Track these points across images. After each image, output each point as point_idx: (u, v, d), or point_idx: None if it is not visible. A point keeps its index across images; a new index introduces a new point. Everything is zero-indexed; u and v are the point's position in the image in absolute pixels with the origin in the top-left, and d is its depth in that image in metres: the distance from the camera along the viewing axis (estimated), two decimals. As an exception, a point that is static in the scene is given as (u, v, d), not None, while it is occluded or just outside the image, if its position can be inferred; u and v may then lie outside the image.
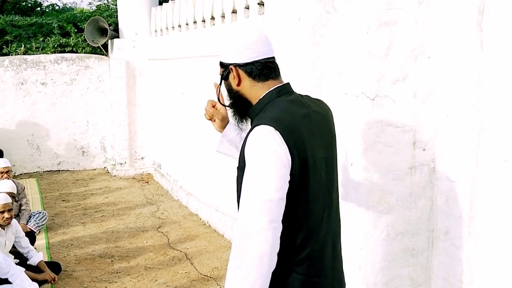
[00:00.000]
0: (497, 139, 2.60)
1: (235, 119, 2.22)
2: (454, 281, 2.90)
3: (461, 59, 2.75)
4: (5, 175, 6.10)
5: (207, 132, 6.77)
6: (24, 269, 4.46)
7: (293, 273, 1.98)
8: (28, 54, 10.09)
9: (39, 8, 13.52)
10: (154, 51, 9.15)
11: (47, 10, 13.24)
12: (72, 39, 10.65)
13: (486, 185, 2.68)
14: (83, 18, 11.05)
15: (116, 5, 10.74)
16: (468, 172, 2.74)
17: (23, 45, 10.45)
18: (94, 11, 12.52)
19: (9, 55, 10.21)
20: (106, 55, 10.15)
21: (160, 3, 9.46)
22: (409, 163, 3.00)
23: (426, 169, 3.02)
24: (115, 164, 9.69)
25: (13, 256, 4.87)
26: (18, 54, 10.21)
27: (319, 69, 3.33)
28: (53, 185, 8.89)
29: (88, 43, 10.19)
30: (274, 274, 1.87)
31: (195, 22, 7.19)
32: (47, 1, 19.22)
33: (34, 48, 10.43)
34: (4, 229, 4.62)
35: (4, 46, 10.53)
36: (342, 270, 2.25)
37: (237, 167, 2.06)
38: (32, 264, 4.85)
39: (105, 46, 10.09)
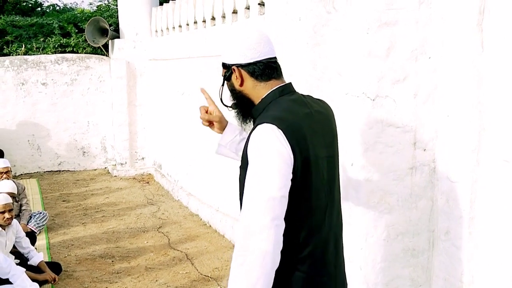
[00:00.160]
0: (497, 139, 2.60)
1: (238, 119, 2.23)
2: (455, 282, 2.90)
3: (461, 59, 2.75)
4: (5, 176, 6.10)
5: (207, 133, 6.76)
6: (24, 270, 4.46)
7: (295, 271, 1.99)
8: (28, 55, 10.09)
9: (39, 9, 13.52)
10: (154, 51, 9.15)
11: (47, 10, 13.24)
12: (73, 40, 10.66)
13: (486, 186, 2.68)
14: (83, 18, 11.05)
15: (116, 6, 10.74)
16: (468, 173, 2.74)
17: (23, 46, 10.45)
18: (95, 11, 12.52)
19: (9, 55, 10.21)
20: (106, 56, 10.15)
21: (161, 3, 9.47)
22: (409, 163, 3.00)
23: (426, 169, 3.02)
24: (115, 165, 9.69)
25: (13, 257, 4.87)
26: (18, 54, 10.22)
27: (319, 69, 3.33)
28: (53, 186, 8.89)
29: (88, 44, 10.19)
30: (277, 272, 1.88)
31: (195, 23, 7.19)
32: (48, 2, 19.21)
33: (34, 49, 10.44)
34: (4, 229, 4.62)
35: (4, 47, 10.53)
36: (344, 270, 2.26)
37: (240, 166, 2.07)
38: (33, 264, 4.85)
39: (105, 46, 10.09)
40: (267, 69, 2.10)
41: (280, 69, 2.16)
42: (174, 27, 8.09)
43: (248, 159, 1.93)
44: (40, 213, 6.41)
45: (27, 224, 6.09)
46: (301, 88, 3.18)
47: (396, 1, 2.86)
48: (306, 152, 1.94)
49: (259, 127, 1.92)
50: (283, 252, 1.89)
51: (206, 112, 2.51)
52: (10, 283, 4.32)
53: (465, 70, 2.72)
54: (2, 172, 6.10)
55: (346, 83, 3.08)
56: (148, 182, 9.07)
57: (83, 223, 6.79)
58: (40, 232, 6.26)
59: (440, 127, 2.94)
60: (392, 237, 3.05)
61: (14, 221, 4.78)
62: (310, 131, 2.00)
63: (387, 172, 2.99)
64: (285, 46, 3.65)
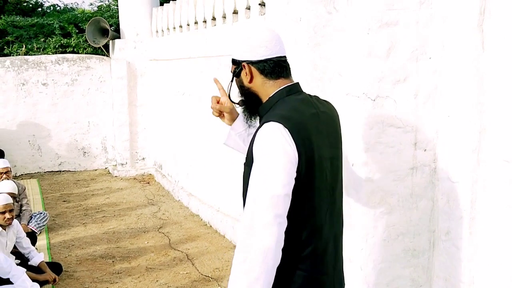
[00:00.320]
0: (498, 139, 2.60)
1: (245, 116, 2.24)
2: (455, 282, 2.90)
3: (462, 60, 2.75)
4: (5, 176, 6.11)
5: (208, 133, 6.77)
6: (25, 270, 4.46)
7: (296, 270, 2.01)
8: (29, 55, 10.10)
9: (40, 9, 13.52)
10: (155, 52, 9.15)
11: (48, 10, 13.24)
12: (73, 40, 10.66)
13: (487, 186, 2.69)
14: (84, 18, 11.06)
15: (117, 6, 10.75)
16: (469, 173, 2.74)
17: (24, 46, 10.46)
18: (95, 11, 12.52)
19: (10, 55, 10.22)
20: (107, 56, 10.15)
21: (161, 4, 9.47)
22: (410, 163, 3.00)
23: (427, 169, 3.02)
24: (116, 165, 9.69)
25: (14, 257, 4.87)
26: (19, 54, 10.22)
27: (320, 69, 3.33)
28: (54, 186, 8.90)
29: (89, 44, 10.19)
30: (277, 269, 1.90)
31: (196, 23, 7.19)
32: (48, 2, 19.23)
33: (35, 49, 10.44)
34: (5, 230, 4.62)
35: (5, 47, 10.54)
36: (343, 270, 2.28)
37: (244, 163, 2.09)
38: (33, 264, 4.86)
39: (106, 46, 10.10)
40: (277, 67, 2.11)
41: (289, 68, 2.18)
42: (174, 27, 8.10)
43: (254, 156, 1.94)
44: (41, 213, 6.41)
45: (28, 225, 6.10)
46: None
47: (397, 2, 2.86)
48: (311, 152, 1.95)
49: (265, 125, 1.94)
50: (284, 250, 1.90)
51: (218, 102, 2.51)
52: (11, 283, 4.32)
53: (466, 71, 2.72)
54: (2, 173, 6.10)
55: (346, 84, 3.08)
56: (148, 183, 9.07)
57: (83, 224, 6.80)
58: (40, 232, 6.26)
59: (441, 128, 2.94)
60: (392, 238, 3.05)
61: (15, 221, 4.78)
62: (316, 131, 2.01)
63: (388, 172, 2.99)
64: (285, 47, 3.64)
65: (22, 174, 9.59)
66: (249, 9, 5.60)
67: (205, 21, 6.86)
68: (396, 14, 2.87)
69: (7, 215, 4.56)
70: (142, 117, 9.62)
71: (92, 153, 10.02)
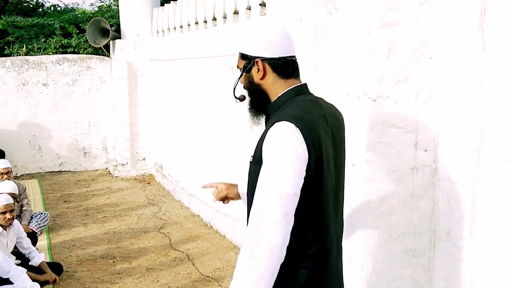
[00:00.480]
0: (499, 140, 2.60)
1: (251, 113, 2.22)
2: (456, 282, 2.90)
3: (463, 60, 2.75)
4: (5, 176, 6.11)
5: (208, 133, 6.78)
6: (25, 270, 4.46)
7: (300, 268, 2.02)
8: (29, 55, 10.10)
9: (41, 9, 13.55)
10: (155, 52, 9.15)
11: (48, 11, 13.26)
12: (74, 40, 10.67)
13: (488, 186, 2.68)
14: (84, 19, 11.07)
15: (117, 6, 10.76)
16: (470, 173, 2.74)
17: (24, 46, 10.47)
18: (96, 12, 12.54)
19: (10, 56, 10.23)
20: (108, 56, 10.16)
21: (162, 4, 9.47)
22: (411, 164, 3.00)
23: (428, 170, 3.02)
24: (116, 165, 9.69)
25: (15, 257, 4.87)
26: (19, 55, 10.23)
27: (320, 69, 3.33)
28: (54, 186, 8.90)
29: (89, 44, 10.20)
30: (283, 267, 1.92)
31: (196, 23, 7.20)
32: (49, 2, 19.25)
33: (35, 49, 10.46)
34: (5, 230, 4.62)
35: (6, 47, 10.55)
36: (342, 271, 2.29)
37: (250, 161, 2.10)
38: (34, 265, 4.86)
39: (106, 47, 10.10)
40: (289, 66, 2.11)
41: (299, 69, 2.18)
42: (175, 28, 8.10)
43: (264, 154, 1.95)
44: (41, 213, 6.41)
45: (28, 225, 6.10)
46: (302, 88, 3.18)
47: (397, 2, 2.86)
48: (320, 152, 1.97)
49: (277, 124, 1.94)
50: (290, 248, 1.92)
51: (219, 192, 2.54)
52: (11, 283, 4.33)
53: (466, 71, 2.72)
54: (3, 173, 6.10)
55: (347, 84, 3.08)
56: (149, 183, 9.07)
57: (84, 224, 6.80)
58: (41, 233, 6.26)
59: (442, 128, 2.94)
60: (393, 238, 3.05)
61: (15, 221, 4.78)
62: (323, 132, 2.02)
63: (388, 173, 2.99)
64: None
65: (22, 174, 9.59)
66: (249, 9, 5.60)
67: (205, 21, 6.86)
68: (396, 14, 2.87)
69: (8, 215, 4.56)
70: (143, 118, 9.62)
71: (92, 153, 10.02)
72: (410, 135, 2.97)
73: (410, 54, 2.90)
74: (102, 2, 13.67)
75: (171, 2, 8.21)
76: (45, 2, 15.37)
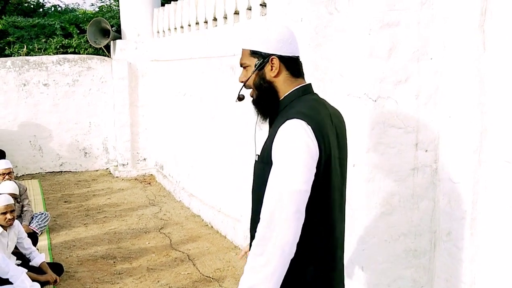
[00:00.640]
0: (499, 140, 2.60)
1: (257, 111, 2.20)
2: (456, 282, 2.90)
3: (463, 60, 2.75)
4: (7, 176, 6.11)
5: (209, 134, 6.78)
6: (25, 270, 4.46)
7: (308, 264, 2.04)
8: (30, 55, 10.11)
9: (41, 9, 13.55)
10: (156, 52, 9.16)
11: (49, 11, 13.26)
12: (75, 40, 10.68)
13: (488, 186, 2.68)
14: (85, 19, 11.07)
15: (118, 6, 10.76)
16: (470, 173, 2.74)
17: (25, 46, 10.48)
18: (97, 12, 12.55)
19: (11, 56, 10.23)
20: (108, 56, 10.16)
21: (163, 4, 9.47)
22: (411, 164, 3.00)
23: (428, 170, 3.02)
24: (117, 165, 9.69)
25: (15, 257, 4.87)
26: (20, 55, 10.24)
27: (321, 70, 3.33)
28: (55, 186, 8.90)
29: (90, 44, 10.20)
30: (290, 264, 1.94)
31: (197, 23, 7.20)
32: (50, 2, 19.27)
33: (36, 49, 10.46)
34: (6, 230, 4.62)
35: (6, 47, 10.55)
36: (344, 268, 2.32)
37: (257, 160, 2.12)
38: (34, 265, 4.86)
39: (107, 47, 10.10)
40: (299, 66, 2.15)
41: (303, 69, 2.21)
42: (175, 28, 8.10)
43: (275, 152, 1.96)
44: (42, 214, 6.41)
45: (29, 225, 6.10)
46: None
47: (398, 2, 2.86)
48: (329, 151, 2.00)
49: (289, 121, 1.95)
50: (298, 245, 1.94)
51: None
52: (11, 283, 4.33)
53: (467, 71, 2.72)
54: (4, 173, 6.11)
55: (348, 84, 3.08)
56: (149, 183, 9.07)
57: (84, 224, 6.80)
58: (41, 233, 6.26)
59: (442, 128, 2.94)
60: (394, 238, 3.05)
61: (16, 222, 4.78)
62: (330, 131, 2.05)
63: (389, 173, 2.99)
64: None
65: (23, 175, 9.60)
66: (250, 9, 5.60)
67: (206, 22, 6.86)
68: (397, 15, 2.87)
69: (8, 216, 4.57)
70: (143, 118, 9.62)
71: (93, 153, 10.02)
72: (411, 135, 2.97)
73: (410, 55, 2.90)
74: (103, 2, 13.68)
75: (172, 2, 8.21)
76: (46, 2, 15.39)
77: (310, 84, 2.18)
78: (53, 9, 13.43)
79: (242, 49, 2.18)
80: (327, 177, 2.01)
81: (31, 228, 6.07)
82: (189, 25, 7.50)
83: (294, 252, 1.92)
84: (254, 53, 2.13)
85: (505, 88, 2.55)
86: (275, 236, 1.88)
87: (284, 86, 2.12)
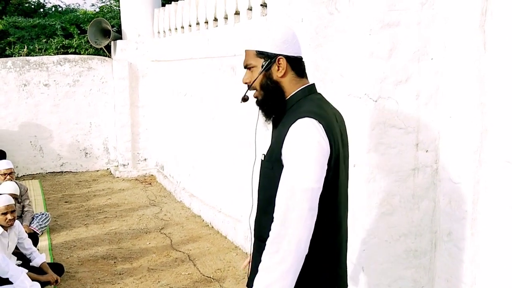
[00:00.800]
0: (500, 140, 2.60)
1: (262, 111, 2.19)
2: (457, 283, 2.90)
3: (464, 60, 2.75)
4: (8, 177, 6.12)
5: (210, 134, 6.78)
6: (26, 270, 4.46)
7: (317, 262, 2.05)
8: (31, 56, 10.11)
9: (42, 10, 13.55)
10: (157, 53, 9.16)
11: (50, 11, 13.26)
12: (75, 41, 10.68)
13: (489, 187, 2.68)
14: (86, 19, 11.07)
15: (119, 7, 10.76)
16: (471, 174, 2.74)
17: (26, 47, 10.48)
18: (97, 12, 12.55)
19: (12, 56, 10.23)
20: (109, 57, 10.16)
21: (163, 5, 9.47)
22: (412, 164, 2.99)
23: (429, 170, 3.02)
24: (118, 166, 9.69)
25: (16, 258, 4.87)
26: (21, 55, 10.24)
27: (322, 70, 3.33)
28: (56, 187, 8.90)
29: (91, 45, 10.20)
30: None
31: (198, 24, 7.20)
32: (50, 3, 19.27)
33: (37, 50, 10.46)
34: (7, 231, 4.62)
35: (7, 48, 10.56)
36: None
37: (263, 160, 2.13)
38: (35, 265, 4.86)
39: (108, 47, 10.10)
40: (303, 66, 2.17)
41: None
42: (176, 28, 8.10)
43: (287, 150, 1.97)
44: (43, 214, 6.42)
45: (30, 225, 6.10)
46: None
47: (399, 2, 2.86)
48: (338, 149, 2.02)
49: (300, 120, 1.96)
50: (310, 243, 1.96)
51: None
52: (11, 283, 4.33)
53: (468, 71, 2.72)
54: (5, 174, 6.12)
55: (348, 84, 3.08)
56: (150, 183, 9.07)
57: (85, 224, 6.80)
58: (42, 233, 6.26)
59: (443, 128, 2.93)
60: (394, 238, 3.05)
61: (17, 222, 4.79)
62: (337, 129, 2.08)
63: (390, 173, 2.98)
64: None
65: (24, 175, 9.60)
66: (251, 10, 5.60)
67: (206, 22, 6.86)
68: (397, 15, 2.87)
69: (9, 216, 4.57)
70: (144, 118, 9.62)
71: (94, 154, 10.03)
72: (411, 135, 2.97)
73: (411, 55, 2.90)
74: (104, 2, 13.68)
75: (172, 2, 8.21)
76: (46, 2, 15.38)
77: (314, 84, 2.20)
78: (53, 9, 13.43)
79: (246, 50, 2.17)
80: (335, 175, 2.03)
81: (32, 228, 6.07)
82: (190, 26, 7.50)
83: (308, 248, 1.94)
84: (260, 54, 2.12)
85: (505, 88, 2.55)
86: (290, 234, 1.90)
87: (290, 86, 2.13)
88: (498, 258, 2.67)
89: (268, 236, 1.98)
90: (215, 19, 6.59)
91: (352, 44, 3.03)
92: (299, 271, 1.94)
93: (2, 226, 4.56)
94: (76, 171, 9.92)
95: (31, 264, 4.87)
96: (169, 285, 4.89)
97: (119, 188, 8.77)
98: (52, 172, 9.80)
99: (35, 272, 4.72)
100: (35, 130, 9.64)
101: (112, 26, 10.06)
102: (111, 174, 9.76)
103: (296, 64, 2.13)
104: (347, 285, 2.27)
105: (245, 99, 2.23)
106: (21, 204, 6.27)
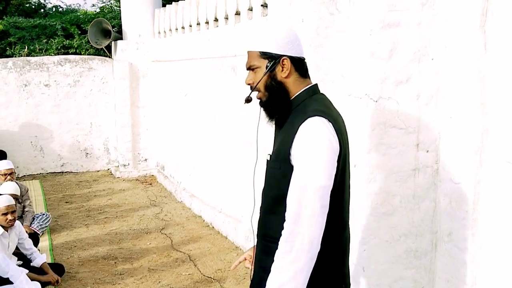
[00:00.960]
0: (500, 140, 2.60)
1: (266, 111, 2.19)
2: (458, 283, 2.90)
3: (464, 61, 2.75)
4: (9, 177, 6.12)
5: (210, 134, 6.78)
6: (26, 270, 4.46)
7: (324, 262, 2.05)
8: (31, 56, 10.11)
9: (42, 10, 13.56)
10: (157, 53, 9.16)
11: (50, 12, 13.28)
12: (76, 41, 10.68)
13: (489, 187, 2.68)
14: (86, 19, 11.08)
15: (119, 7, 10.77)
16: (471, 174, 2.74)
17: (26, 47, 10.48)
18: (98, 12, 12.56)
19: (12, 56, 10.24)
20: (109, 57, 10.16)
21: (164, 5, 9.47)
22: (412, 164, 2.99)
23: (429, 170, 3.02)
24: (118, 166, 9.69)
25: (16, 258, 4.87)
26: (21, 55, 10.24)
27: (322, 70, 3.33)
28: (56, 187, 8.90)
29: (91, 45, 10.20)
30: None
31: (198, 24, 7.20)
32: (51, 3, 19.28)
33: (37, 50, 10.47)
34: (7, 231, 4.62)
35: (7, 48, 10.56)
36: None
37: (269, 160, 2.14)
38: (36, 265, 4.86)
39: (108, 47, 10.10)
40: (306, 67, 2.18)
41: None
42: (177, 29, 8.10)
43: (297, 149, 1.97)
44: (43, 214, 6.42)
45: (30, 226, 6.10)
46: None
47: (399, 3, 2.86)
48: (345, 148, 2.05)
49: (310, 119, 1.98)
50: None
51: (251, 257, 2.51)
52: (11, 283, 4.33)
53: (468, 72, 2.72)
54: (6, 174, 6.12)
55: (349, 85, 3.08)
56: (151, 184, 9.07)
57: (86, 225, 6.80)
58: (43, 234, 6.26)
59: (443, 129, 2.93)
60: (395, 239, 3.05)
61: (17, 222, 4.79)
62: (343, 129, 2.10)
63: (390, 174, 2.98)
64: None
65: (24, 175, 9.60)
66: (251, 10, 5.60)
67: (207, 22, 6.86)
68: (398, 15, 2.87)
69: (9, 217, 4.57)
70: (144, 118, 9.62)
71: (94, 154, 10.03)
72: (412, 136, 2.97)
73: (411, 55, 2.90)
74: (104, 3, 13.69)
75: (173, 3, 8.22)
76: (47, 3, 15.39)
77: (317, 85, 2.20)
78: (54, 9, 13.45)
79: (249, 52, 2.16)
80: (343, 173, 2.05)
81: (32, 228, 6.07)
82: (190, 26, 7.50)
83: (320, 246, 1.95)
84: (264, 55, 2.12)
85: (506, 88, 2.55)
86: (303, 232, 1.91)
87: (294, 86, 2.13)
88: (499, 259, 2.67)
89: (277, 235, 1.98)
90: (216, 19, 6.59)
91: (352, 45, 3.03)
92: (311, 270, 1.94)
93: (3, 227, 4.56)
94: (77, 172, 9.92)
95: (31, 264, 4.87)
96: (170, 286, 4.89)
97: (119, 188, 8.77)
98: (52, 173, 9.80)
99: (36, 272, 4.73)
100: (36, 130, 9.64)
101: (113, 27, 10.07)
102: (112, 174, 9.76)
103: (300, 65, 2.13)
104: (350, 286, 2.28)
105: (248, 100, 2.24)
106: (22, 204, 6.27)
